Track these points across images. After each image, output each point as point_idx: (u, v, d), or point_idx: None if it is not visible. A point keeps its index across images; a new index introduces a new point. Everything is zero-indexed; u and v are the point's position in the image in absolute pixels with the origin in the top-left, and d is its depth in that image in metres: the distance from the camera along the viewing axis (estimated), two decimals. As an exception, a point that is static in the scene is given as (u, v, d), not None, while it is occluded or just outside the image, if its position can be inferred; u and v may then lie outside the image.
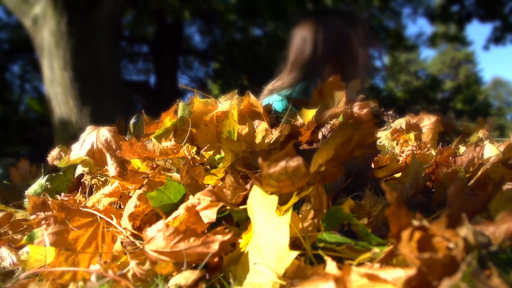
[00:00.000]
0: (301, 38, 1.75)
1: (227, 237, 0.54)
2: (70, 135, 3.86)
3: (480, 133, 1.29)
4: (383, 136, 1.14)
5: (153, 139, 1.00)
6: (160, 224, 0.55)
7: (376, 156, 0.83)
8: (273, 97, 1.72)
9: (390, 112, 1.33)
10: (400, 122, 1.27)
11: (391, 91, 12.86)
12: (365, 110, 1.17)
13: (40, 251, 0.67)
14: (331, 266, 0.45)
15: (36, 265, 0.68)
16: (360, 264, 0.46)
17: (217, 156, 0.87)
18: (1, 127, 8.48)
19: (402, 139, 1.12)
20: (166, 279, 0.54)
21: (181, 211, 0.60)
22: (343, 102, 1.18)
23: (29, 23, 4.34)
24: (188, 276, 0.52)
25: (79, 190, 1.04)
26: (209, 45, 9.81)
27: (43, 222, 0.67)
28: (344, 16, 1.79)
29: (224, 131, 0.88)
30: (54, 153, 1.29)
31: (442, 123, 1.35)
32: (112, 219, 0.70)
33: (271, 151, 0.82)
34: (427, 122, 1.27)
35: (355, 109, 1.17)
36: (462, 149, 1.08)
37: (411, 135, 1.14)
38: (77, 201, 0.92)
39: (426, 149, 1.05)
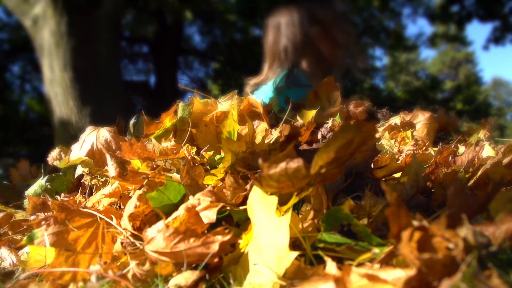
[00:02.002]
0: (274, 27, 1.75)
1: (227, 237, 0.54)
2: (70, 136, 3.86)
3: (481, 134, 1.29)
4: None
5: (153, 139, 1.00)
6: (160, 224, 0.55)
7: (376, 156, 0.83)
8: (259, 90, 1.73)
9: (384, 110, 1.34)
10: (395, 119, 1.28)
11: (391, 91, 12.87)
12: (360, 109, 1.18)
13: (40, 252, 0.67)
14: (331, 267, 0.45)
15: (36, 266, 0.68)
16: (360, 265, 0.46)
17: (217, 157, 0.87)
18: (1, 127, 8.48)
19: (399, 137, 1.12)
20: (166, 279, 0.54)
21: (181, 211, 0.60)
22: (338, 103, 1.20)
23: (29, 23, 4.34)
24: (188, 276, 0.52)
25: (79, 191, 1.04)
26: (209, 45, 9.81)
27: (43, 222, 0.67)
28: (318, 1, 1.78)
29: (224, 132, 0.88)
30: (54, 153, 1.29)
31: (444, 122, 1.35)
32: (112, 219, 0.70)
33: (271, 151, 0.82)
34: (421, 118, 1.28)
35: (350, 107, 1.18)
36: (461, 149, 1.08)
37: (408, 133, 1.14)
38: (77, 202, 0.92)
39: (424, 148, 1.05)
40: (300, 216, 0.60)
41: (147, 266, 0.55)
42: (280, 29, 1.72)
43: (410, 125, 1.23)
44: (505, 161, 0.80)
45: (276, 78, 1.67)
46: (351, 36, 1.81)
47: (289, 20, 1.72)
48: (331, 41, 1.72)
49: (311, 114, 1.05)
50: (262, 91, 1.73)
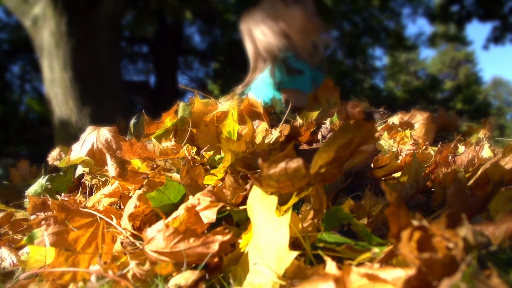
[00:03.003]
0: (247, 33, 1.82)
1: (227, 237, 0.54)
2: (70, 136, 3.85)
3: (481, 133, 1.29)
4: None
5: (153, 139, 1.00)
6: (160, 224, 0.56)
7: (376, 156, 0.83)
8: (251, 89, 1.75)
9: (381, 109, 1.34)
10: (393, 119, 1.28)
11: (391, 91, 12.87)
12: (357, 109, 1.19)
13: (40, 252, 0.67)
14: (331, 266, 0.45)
15: (36, 266, 0.68)
16: (360, 264, 0.46)
17: (217, 157, 0.87)
18: (1, 127, 8.48)
19: (398, 137, 1.12)
20: (166, 279, 0.54)
21: (181, 211, 0.60)
22: (337, 105, 1.21)
23: (29, 24, 4.34)
24: (188, 276, 0.52)
25: (79, 191, 1.04)
26: (209, 45, 9.80)
27: (43, 222, 0.67)
28: None
29: (224, 132, 0.88)
30: (54, 153, 1.29)
31: (445, 122, 1.36)
32: (112, 219, 0.70)
33: (271, 151, 0.82)
34: (419, 118, 1.28)
35: (348, 108, 1.19)
36: (461, 148, 1.08)
37: (407, 132, 1.14)
38: (77, 202, 0.92)
39: (424, 148, 1.06)
40: (300, 216, 0.60)
41: (147, 266, 0.55)
42: (252, 33, 1.78)
43: (408, 125, 1.23)
44: (505, 161, 0.81)
45: (268, 72, 1.70)
46: (312, 8, 1.83)
47: (255, 22, 1.79)
48: (298, 22, 1.75)
49: (313, 115, 1.06)
50: (254, 88, 1.76)
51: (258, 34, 1.76)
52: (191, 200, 0.62)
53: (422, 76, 15.88)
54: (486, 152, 0.99)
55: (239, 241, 0.57)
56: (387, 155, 0.86)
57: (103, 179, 0.98)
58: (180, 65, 9.42)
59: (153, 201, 0.68)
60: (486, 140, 1.21)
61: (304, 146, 0.84)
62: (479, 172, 0.79)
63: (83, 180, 1.05)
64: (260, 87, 1.75)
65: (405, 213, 0.41)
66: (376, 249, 0.48)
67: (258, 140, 0.89)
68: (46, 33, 4.19)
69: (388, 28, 9.41)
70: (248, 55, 1.85)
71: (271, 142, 0.86)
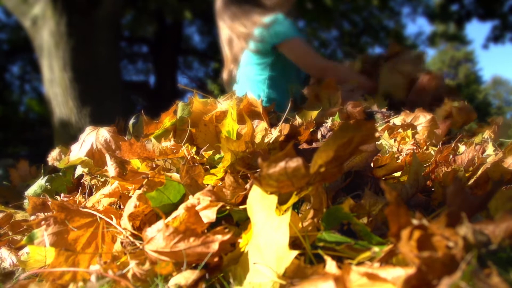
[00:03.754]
0: (219, 18, 1.86)
1: (227, 237, 0.54)
2: (70, 136, 3.85)
3: (486, 134, 1.28)
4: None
5: (152, 139, 1.00)
6: (160, 224, 0.55)
7: (376, 155, 0.83)
8: (242, 69, 1.76)
9: (384, 110, 1.32)
10: (394, 120, 1.27)
11: (390, 90, 12.85)
12: (358, 109, 1.18)
13: (40, 252, 0.67)
14: (330, 266, 0.45)
15: (36, 266, 0.68)
16: (359, 263, 0.46)
17: (217, 156, 0.87)
18: (1, 127, 8.49)
19: (399, 137, 1.12)
20: (166, 279, 0.54)
21: (180, 211, 0.60)
22: (339, 104, 1.20)
23: (29, 24, 4.34)
24: (188, 276, 0.52)
25: (79, 191, 1.04)
26: (209, 45, 9.81)
27: (43, 222, 0.67)
28: None
29: (224, 131, 0.88)
30: (54, 153, 1.29)
31: (463, 113, 1.34)
32: (112, 219, 0.70)
33: (271, 150, 0.82)
34: (423, 119, 1.26)
35: (349, 108, 1.18)
36: (462, 148, 1.08)
37: (409, 132, 1.13)
38: (77, 202, 0.92)
39: (425, 148, 1.05)
40: (300, 215, 0.60)
41: (147, 265, 0.55)
42: (223, 17, 1.82)
43: (410, 127, 1.21)
44: (505, 160, 0.81)
45: (251, 43, 1.70)
46: None
47: (226, 5, 1.81)
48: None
49: (313, 114, 1.05)
50: (243, 61, 1.78)
51: (229, 22, 1.79)
52: (191, 199, 0.62)
53: (422, 75, 15.84)
54: (490, 151, 0.99)
55: (239, 240, 0.57)
56: (387, 154, 0.86)
57: (102, 179, 0.98)
58: (180, 65, 9.43)
59: (153, 201, 0.68)
60: (490, 140, 1.20)
61: (304, 146, 0.84)
62: (479, 172, 0.79)
63: (82, 180, 1.05)
64: (251, 57, 1.74)
65: (405, 212, 0.41)
66: (376, 248, 0.48)
67: (257, 139, 0.89)
68: (46, 33, 4.19)
69: (387, 27, 9.42)
70: (220, 33, 1.87)
71: (271, 141, 0.86)
